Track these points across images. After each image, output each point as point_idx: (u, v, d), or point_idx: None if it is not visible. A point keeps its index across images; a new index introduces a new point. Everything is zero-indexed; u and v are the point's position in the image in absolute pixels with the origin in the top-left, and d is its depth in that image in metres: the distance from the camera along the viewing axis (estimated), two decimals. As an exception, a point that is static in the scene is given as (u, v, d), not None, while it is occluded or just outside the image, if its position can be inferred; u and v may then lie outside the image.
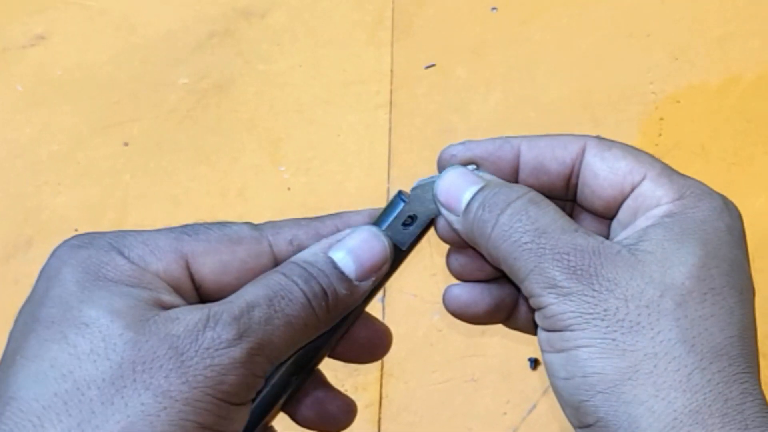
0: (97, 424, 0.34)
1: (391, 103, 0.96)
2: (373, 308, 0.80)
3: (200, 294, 0.40)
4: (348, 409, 0.45)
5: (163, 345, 0.35)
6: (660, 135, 0.90)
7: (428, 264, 0.82)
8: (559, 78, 0.96)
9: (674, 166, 0.87)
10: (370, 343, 0.45)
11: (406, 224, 0.44)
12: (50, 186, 0.93)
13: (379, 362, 0.77)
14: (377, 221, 0.44)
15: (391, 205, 0.44)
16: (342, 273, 0.41)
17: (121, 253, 0.38)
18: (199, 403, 0.35)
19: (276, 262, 0.41)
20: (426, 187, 0.45)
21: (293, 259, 0.41)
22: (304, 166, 0.92)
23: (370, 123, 0.94)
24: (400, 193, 0.44)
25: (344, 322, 0.43)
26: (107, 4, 1.07)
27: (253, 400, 0.38)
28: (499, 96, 0.95)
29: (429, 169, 0.89)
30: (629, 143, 0.90)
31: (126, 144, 0.95)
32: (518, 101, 0.94)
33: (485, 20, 1.02)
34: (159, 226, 0.90)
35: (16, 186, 0.93)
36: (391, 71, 0.98)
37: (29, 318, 0.37)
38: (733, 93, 0.93)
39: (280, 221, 0.43)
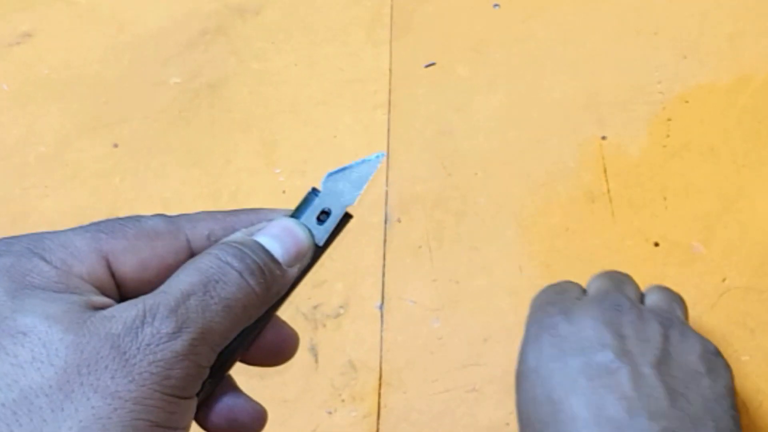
0: (50, 431, 0.34)
1: (389, 103, 0.96)
2: (371, 315, 0.81)
3: (121, 292, 0.40)
4: (258, 416, 0.45)
5: (105, 345, 0.35)
6: (668, 136, 0.90)
7: (428, 269, 0.82)
8: (563, 77, 0.96)
9: (683, 167, 0.87)
10: (277, 347, 0.46)
11: (320, 220, 0.44)
12: (37, 189, 0.93)
13: (377, 371, 0.77)
14: (292, 216, 0.45)
15: (305, 200, 0.45)
16: (271, 254, 0.42)
17: (43, 258, 0.38)
18: (148, 401, 0.35)
19: (193, 257, 0.42)
20: (337, 178, 0.45)
21: (222, 241, 0.42)
22: (300, 168, 0.92)
23: (367, 124, 0.94)
24: (313, 189, 0.45)
25: (258, 323, 0.43)
26: (95, 1, 1.08)
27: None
28: (501, 96, 0.95)
29: (428, 171, 0.89)
30: (636, 144, 0.90)
31: (115, 145, 0.95)
32: (521, 101, 0.94)
33: (487, 17, 1.02)
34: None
35: (2, 189, 0.93)
36: (390, 70, 0.98)
37: None
38: (745, 93, 0.93)
39: (194, 214, 0.44)
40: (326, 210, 0.45)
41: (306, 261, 0.44)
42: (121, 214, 0.91)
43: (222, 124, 0.96)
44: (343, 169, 0.45)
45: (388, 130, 0.94)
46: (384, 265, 0.84)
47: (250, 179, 0.91)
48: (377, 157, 0.46)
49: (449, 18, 1.02)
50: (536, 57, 0.98)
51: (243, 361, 0.45)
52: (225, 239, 0.42)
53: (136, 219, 0.42)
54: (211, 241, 0.43)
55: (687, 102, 0.92)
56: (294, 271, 0.43)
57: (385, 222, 0.87)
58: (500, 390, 0.76)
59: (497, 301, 0.80)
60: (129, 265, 0.40)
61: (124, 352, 0.35)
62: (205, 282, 0.38)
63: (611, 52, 0.97)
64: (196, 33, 1.04)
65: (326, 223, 0.45)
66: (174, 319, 0.37)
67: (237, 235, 0.43)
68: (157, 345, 0.36)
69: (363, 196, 0.46)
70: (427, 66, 0.98)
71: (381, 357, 0.78)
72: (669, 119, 0.91)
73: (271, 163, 0.92)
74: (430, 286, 0.82)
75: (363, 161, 0.46)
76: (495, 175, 0.89)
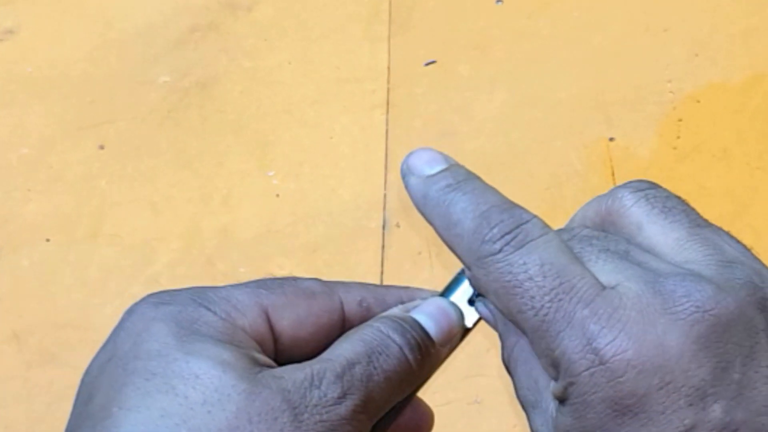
0: None
1: (388, 102, 0.96)
2: (369, 324, 0.81)
3: (276, 349, 0.42)
4: None
5: (276, 398, 0.37)
6: (678, 137, 0.90)
7: (428, 276, 0.82)
8: (569, 76, 0.96)
9: (694, 170, 0.88)
10: (412, 426, 0.47)
11: (471, 300, 0.46)
12: (20, 192, 0.93)
13: (375, 383, 0.77)
14: (441, 294, 0.46)
15: (455, 280, 0.46)
16: (428, 333, 0.44)
17: (209, 309, 0.40)
18: None
19: (345, 321, 0.44)
20: None
21: (382, 315, 0.44)
22: (294, 171, 0.92)
23: (365, 124, 0.95)
24: (464, 269, 0.46)
25: (404, 401, 0.45)
26: (81, -4, 1.08)
27: None
28: (504, 95, 0.95)
29: (429, 174, 0.89)
30: (645, 146, 0.91)
31: (102, 147, 0.95)
32: (525, 101, 0.95)
33: (490, 13, 1.02)
34: (137, 235, 0.90)
35: (-17, 192, 0.93)
36: (388, 68, 0.98)
37: (118, 371, 0.38)
38: (758, 92, 0.93)
39: (347, 282, 0.46)
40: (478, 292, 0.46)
41: (455, 342, 0.46)
42: (108, 220, 0.92)
43: (213, 124, 0.96)
44: None
45: (387, 130, 0.94)
46: (382, 272, 0.84)
47: (243, 182, 0.92)
48: None
49: (450, 14, 1.02)
50: (541, 55, 0.98)
51: None
52: (384, 313, 0.44)
53: (293, 279, 0.44)
54: (363, 308, 0.45)
55: (698, 102, 0.93)
56: (444, 351, 0.45)
57: (384, 227, 0.87)
58: (504, 402, 0.76)
59: (500, 309, 0.80)
60: (287, 320, 0.42)
61: (295, 408, 0.37)
62: (369, 353, 0.41)
63: (619, 50, 0.98)
64: (185, 30, 1.04)
65: (478, 306, 0.46)
66: (340, 385, 0.39)
67: (395, 311, 0.45)
68: (324, 407, 0.38)
69: None
70: (427, 64, 0.99)
71: (379, 368, 0.78)
72: (679, 120, 0.91)
73: (264, 165, 0.93)
74: (430, 293, 0.82)
75: None
76: (497, 177, 0.88)
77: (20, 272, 0.87)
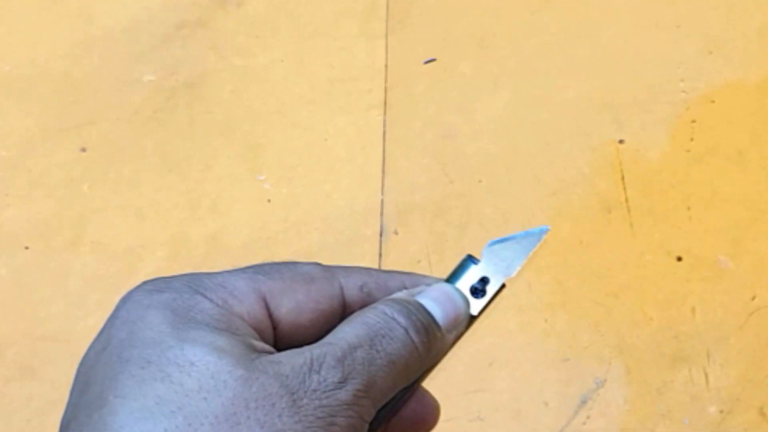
0: None
1: (385, 103, 0.96)
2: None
3: (276, 335, 0.44)
4: None
5: (274, 383, 0.38)
6: (692, 139, 0.90)
7: (428, 286, 0.82)
8: (576, 75, 0.96)
9: (708, 174, 0.87)
10: (419, 418, 0.49)
11: (476, 288, 0.48)
12: (-3, 197, 0.93)
13: (372, 398, 0.77)
14: (447, 281, 0.48)
15: (461, 267, 0.48)
16: (433, 317, 0.45)
17: (205, 296, 0.42)
18: None
19: (345, 307, 0.45)
20: (497, 248, 0.49)
21: (387, 298, 0.45)
22: (287, 174, 0.92)
23: (361, 125, 0.95)
24: (469, 256, 0.48)
25: (407, 390, 0.46)
26: (63, -9, 1.08)
27: None
28: (508, 95, 0.95)
29: (428, 178, 0.89)
30: (657, 149, 0.90)
31: (84, 150, 0.95)
32: (530, 101, 0.95)
33: (492, 9, 1.02)
34: (121, 243, 0.90)
35: (-42, 197, 0.93)
36: (386, 67, 0.98)
37: (113, 360, 0.39)
38: (775, 91, 0.93)
39: (347, 266, 0.47)
40: (484, 278, 0.48)
41: (461, 329, 0.47)
42: (91, 226, 0.91)
43: (201, 125, 0.96)
44: (505, 239, 0.49)
45: (384, 132, 0.94)
46: (379, 282, 0.84)
47: (232, 187, 0.91)
48: (542, 230, 0.50)
49: (451, 10, 1.02)
50: (546, 53, 0.98)
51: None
52: (388, 297, 0.46)
53: (293, 264, 0.46)
54: (364, 293, 0.46)
55: (713, 102, 0.93)
56: (450, 338, 0.47)
57: (381, 234, 0.87)
58: (507, 417, 0.76)
59: (504, 321, 0.80)
60: (285, 306, 0.43)
61: (293, 393, 0.38)
62: (372, 336, 0.42)
63: (629, 48, 0.98)
64: (172, 26, 1.04)
65: (483, 292, 0.48)
66: (340, 369, 0.40)
67: (399, 294, 0.46)
68: (323, 392, 0.39)
69: (523, 269, 0.50)
70: (427, 62, 0.99)
71: (376, 382, 0.78)
72: (693, 121, 0.91)
73: (254, 168, 0.93)
74: (430, 304, 0.82)
75: (527, 233, 0.50)
76: (501, 182, 0.89)
77: (-3, 282, 0.87)
